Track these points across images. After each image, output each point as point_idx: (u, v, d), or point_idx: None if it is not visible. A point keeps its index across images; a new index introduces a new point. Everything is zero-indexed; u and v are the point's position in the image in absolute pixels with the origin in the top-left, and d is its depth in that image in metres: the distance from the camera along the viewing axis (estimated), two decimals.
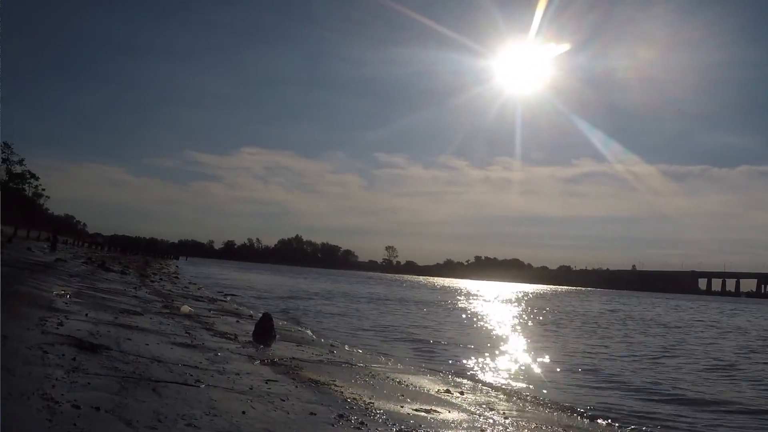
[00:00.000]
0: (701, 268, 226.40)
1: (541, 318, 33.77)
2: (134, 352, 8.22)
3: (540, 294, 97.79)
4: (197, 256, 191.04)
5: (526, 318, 33.19)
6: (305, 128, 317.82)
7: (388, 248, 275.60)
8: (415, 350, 16.55)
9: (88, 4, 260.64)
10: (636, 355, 18.75)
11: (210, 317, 16.48)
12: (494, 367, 14.40)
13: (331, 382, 8.71)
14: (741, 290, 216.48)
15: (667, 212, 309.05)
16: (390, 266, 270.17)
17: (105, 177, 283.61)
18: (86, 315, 11.14)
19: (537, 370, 14.41)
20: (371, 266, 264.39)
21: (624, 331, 27.60)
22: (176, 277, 41.58)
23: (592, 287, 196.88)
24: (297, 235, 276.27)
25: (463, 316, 32.24)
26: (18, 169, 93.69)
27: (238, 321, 16.74)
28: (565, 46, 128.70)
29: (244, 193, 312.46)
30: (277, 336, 13.87)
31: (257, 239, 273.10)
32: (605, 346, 20.75)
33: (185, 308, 16.15)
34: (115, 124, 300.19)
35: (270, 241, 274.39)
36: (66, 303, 12.42)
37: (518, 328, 26.60)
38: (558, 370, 14.58)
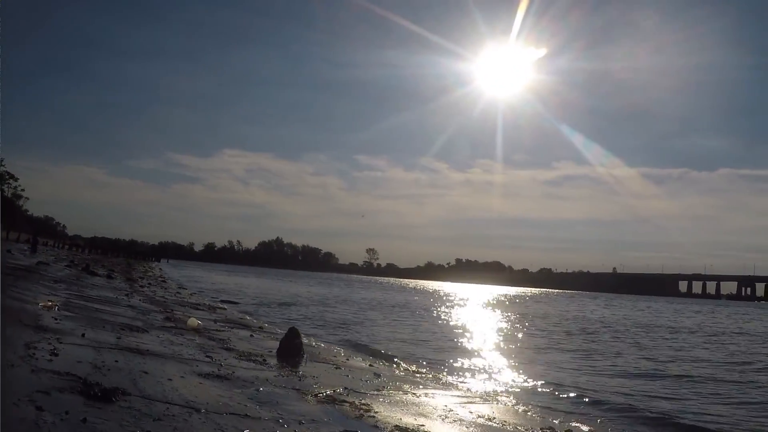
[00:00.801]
0: (682, 270, 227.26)
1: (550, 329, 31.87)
2: (160, 395, 6.03)
3: (528, 297, 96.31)
4: (178, 258, 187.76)
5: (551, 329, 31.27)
6: (286, 130, 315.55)
7: (368, 250, 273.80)
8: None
9: (69, 3, 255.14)
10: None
11: (220, 330, 14.28)
12: None
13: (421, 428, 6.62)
14: (721, 293, 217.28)
15: (647, 215, 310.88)
16: (371, 268, 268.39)
17: (85, 178, 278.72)
18: (83, 335, 8.91)
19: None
20: (352, 268, 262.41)
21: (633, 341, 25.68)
22: (164, 281, 39.09)
23: (573, 290, 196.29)
24: (278, 237, 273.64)
25: (466, 322, 30.26)
26: None
27: (252, 335, 14.54)
28: (545, 50, 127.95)
29: (224, 195, 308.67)
30: (305, 354, 11.72)
31: (238, 241, 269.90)
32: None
33: (192, 321, 13.91)
34: (96, 125, 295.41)
35: (250, 243, 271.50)
36: (56, 318, 10.16)
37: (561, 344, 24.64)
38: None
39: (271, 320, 22.36)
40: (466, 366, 14.63)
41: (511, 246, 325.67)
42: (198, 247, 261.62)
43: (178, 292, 28.76)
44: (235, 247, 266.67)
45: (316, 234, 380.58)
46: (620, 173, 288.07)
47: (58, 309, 11.79)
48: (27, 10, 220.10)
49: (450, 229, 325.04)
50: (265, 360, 10.31)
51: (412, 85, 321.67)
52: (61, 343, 7.87)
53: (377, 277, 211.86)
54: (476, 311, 41.54)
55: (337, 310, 31.90)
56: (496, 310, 45.01)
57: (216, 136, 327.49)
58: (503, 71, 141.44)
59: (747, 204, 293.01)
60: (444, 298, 64.13)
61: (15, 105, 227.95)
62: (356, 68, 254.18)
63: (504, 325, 29.65)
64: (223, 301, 28.13)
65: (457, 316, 33.97)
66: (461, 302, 55.10)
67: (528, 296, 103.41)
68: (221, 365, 8.88)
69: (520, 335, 24.15)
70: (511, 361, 16.18)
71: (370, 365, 12.41)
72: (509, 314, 39.31)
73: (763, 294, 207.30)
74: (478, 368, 14.46)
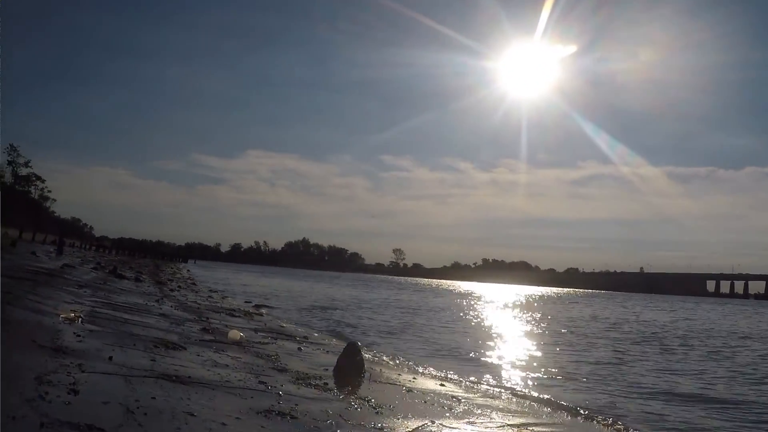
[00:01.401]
0: (709, 270, 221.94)
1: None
2: None
3: (562, 297, 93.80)
4: (204, 259, 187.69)
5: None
6: (311, 131, 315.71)
7: (395, 251, 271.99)
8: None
9: (94, 6, 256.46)
10: None
11: (264, 343, 12.61)
12: None
13: None
14: (749, 292, 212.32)
15: (673, 214, 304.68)
16: (397, 269, 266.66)
17: (111, 180, 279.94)
18: (110, 359, 7.27)
19: None
20: (378, 269, 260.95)
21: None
22: (193, 284, 37.70)
23: (599, 290, 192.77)
24: (304, 238, 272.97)
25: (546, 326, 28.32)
26: (24, 171, 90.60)
27: (300, 348, 12.84)
28: (572, 48, 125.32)
29: (250, 196, 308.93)
30: (367, 373, 9.99)
31: (264, 242, 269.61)
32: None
33: (234, 334, 12.24)
34: (121, 126, 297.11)
35: (277, 243, 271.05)
36: (78, 335, 8.56)
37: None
38: None
39: (313, 327, 20.70)
40: (548, 383, 12.79)
41: (537, 246, 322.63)
42: (224, 248, 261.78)
43: (210, 296, 27.24)
44: (262, 247, 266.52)
45: (342, 234, 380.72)
46: (645, 172, 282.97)
47: (81, 321, 10.22)
48: (54, 12, 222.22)
49: (475, 229, 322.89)
50: (325, 384, 8.60)
51: (436, 85, 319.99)
52: (83, 371, 6.23)
53: (404, 278, 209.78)
54: (524, 315, 39.51)
55: (379, 314, 30.14)
56: (538, 313, 42.92)
57: (241, 138, 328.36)
58: (528, 70, 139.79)
59: None
60: (480, 300, 62.05)
61: (42, 107, 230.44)
62: (380, 68, 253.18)
63: (567, 332, 27.67)
64: (257, 306, 26.53)
65: (505, 322, 32.06)
66: (500, 305, 53.02)
67: (561, 296, 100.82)
68: (280, 395, 7.19)
69: (597, 349, 22.18)
70: (616, 380, 14.30)
71: (441, 384, 10.65)
72: (557, 318, 37.26)
73: None
74: (559, 385, 12.61)
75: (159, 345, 9.33)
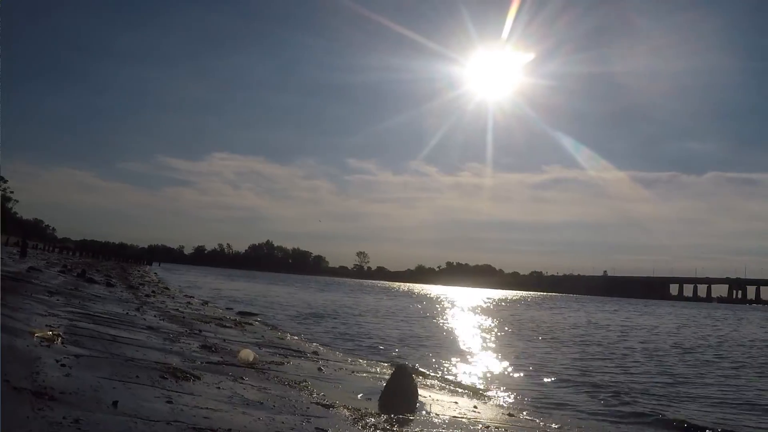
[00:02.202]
0: (672, 273, 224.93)
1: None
2: None
3: (529, 301, 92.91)
4: (168, 262, 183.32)
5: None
6: (277, 134, 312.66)
7: (359, 254, 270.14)
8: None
9: (62, 4, 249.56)
10: None
11: (278, 363, 10.61)
12: None
13: None
14: (712, 295, 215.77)
15: (637, 218, 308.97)
16: (361, 272, 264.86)
17: (75, 181, 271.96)
18: (115, 405, 5.23)
19: None
20: (342, 272, 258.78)
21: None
22: (166, 288, 35.24)
23: (563, 293, 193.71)
24: (268, 241, 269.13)
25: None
26: None
27: (320, 369, 10.86)
28: (534, 54, 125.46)
29: (215, 198, 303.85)
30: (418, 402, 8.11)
31: (228, 244, 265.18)
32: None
33: (246, 354, 10.20)
34: (85, 127, 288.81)
35: (240, 246, 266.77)
36: (63, 364, 6.51)
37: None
38: None
39: (315, 338, 18.66)
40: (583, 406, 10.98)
41: (501, 249, 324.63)
42: (188, 250, 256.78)
43: (189, 303, 24.96)
44: (225, 250, 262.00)
45: (307, 237, 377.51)
46: (610, 176, 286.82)
47: (62, 341, 8.12)
48: (18, 11, 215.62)
49: (440, 232, 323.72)
50: (377, 418, 6.68)
51: (402, 89, 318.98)
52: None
53: (369, 281, 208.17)
54: (511, 322, 37.89)
55: (373, 322, 28.18)
56: (515, 320, 41.38)
57: (206, 140, 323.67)
58: (493, 75, 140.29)
59: (735, 207, 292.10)
60: (456, 305, 60.48)
61: (5, 107, 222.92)
62: (347, 72, 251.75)
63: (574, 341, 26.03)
64: (243, 313, 24.40)
65: (501, 327, 30.38)
66: (478, 310, 51.46)
67: (528, 300, 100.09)
68: None
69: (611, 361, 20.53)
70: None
71: (474, 407, 8.86)
72: (541, 324, 35.74)
73: (753, 297, 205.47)
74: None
75: (166, 374, 7.29)
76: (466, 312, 45.00)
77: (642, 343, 25.50)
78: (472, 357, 17.43)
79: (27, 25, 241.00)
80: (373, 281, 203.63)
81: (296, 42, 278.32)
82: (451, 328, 28.30)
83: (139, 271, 64.59)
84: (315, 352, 13.78)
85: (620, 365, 17.55)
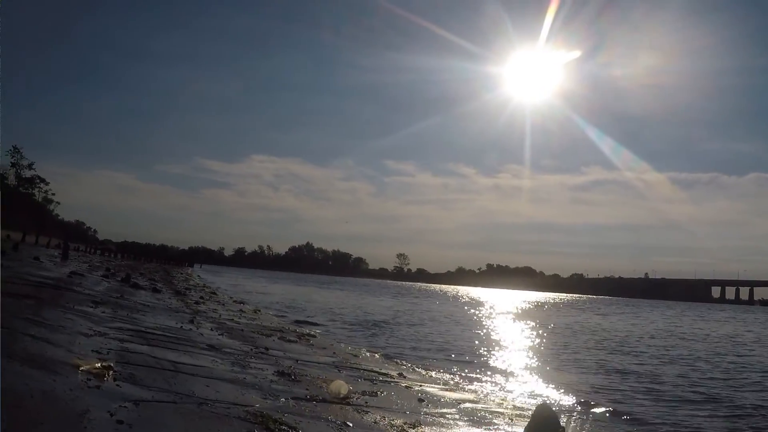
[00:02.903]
0: (714, 276, 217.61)
1: None
2: None
3: (578, 304, 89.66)
4: (208, 263, 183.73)
5: None
6: (315, 135, 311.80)
7: (399, 255, 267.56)
8: None
9: (100, 7, 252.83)
10: None
11: (371, 394, 8.62)
12: None
13: None
14: (755, 298, 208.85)
15: (677, 220, 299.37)
16: (401, 274, 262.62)
17: (115, 183, 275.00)
18: None
19: None
20: (382, 273, 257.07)
21: None
22: (213, 293, 33.61)
23: (604, 295, 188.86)
24: (308, 242, 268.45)
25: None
26: (27, 173, 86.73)
27: (421, 400, 8.86)
28: (575, 53, 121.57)
29: (253, 200, 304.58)
30: None
31: (268, 246, 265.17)
32: None
33: (338, 386, 8.20)
34: (125, 130, 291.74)
35: (280, 248, 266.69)
36: (116, 414, 4.61)
37: None
38: None
39: (389, 353, 16.58)
40: None
41: (541, 251, 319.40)
42: (228, 252, 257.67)
43: (241, 311, 23.17)
44: (265, 252, 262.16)
45: (345, 239, 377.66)
46: (649, 178, 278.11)
47: (113, 376, 6.24)
48: (58, 15, 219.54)
49: (479, 234, 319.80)
50: None
51: (439, 90, 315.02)
52: None
53: (410, 283, 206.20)
54: (584, 331, 35.42)
55: (440, 330, 26.10)
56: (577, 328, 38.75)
57: (245, 142, 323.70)
58: (531, 75, 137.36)
59: None
60: (510, 309, 57.96)
61: (48, 111, 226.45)
62: (384, 72, 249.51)
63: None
64: (298, 322, 22.55)
65: (577, 336, 28.01)
66: (539, 316, 48.91)
67: (577, 303, 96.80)
68: None
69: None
70: None
71: None
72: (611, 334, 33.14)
73: None
74: None
75: (255, 426, 5.33)
76: (528, 318, 42.55)
77: (740, 356, 22.92)
78: (580, 375, 15.22)
79: (66, 29, 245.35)
80: (414, 283, 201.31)
81: (333, 43, 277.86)
82: (530, 338, 26.00)
83: (182, 273, 63.47)
84: (401, 374, 11.74)
85: (745, 382, 15.22)
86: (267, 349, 12.05)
